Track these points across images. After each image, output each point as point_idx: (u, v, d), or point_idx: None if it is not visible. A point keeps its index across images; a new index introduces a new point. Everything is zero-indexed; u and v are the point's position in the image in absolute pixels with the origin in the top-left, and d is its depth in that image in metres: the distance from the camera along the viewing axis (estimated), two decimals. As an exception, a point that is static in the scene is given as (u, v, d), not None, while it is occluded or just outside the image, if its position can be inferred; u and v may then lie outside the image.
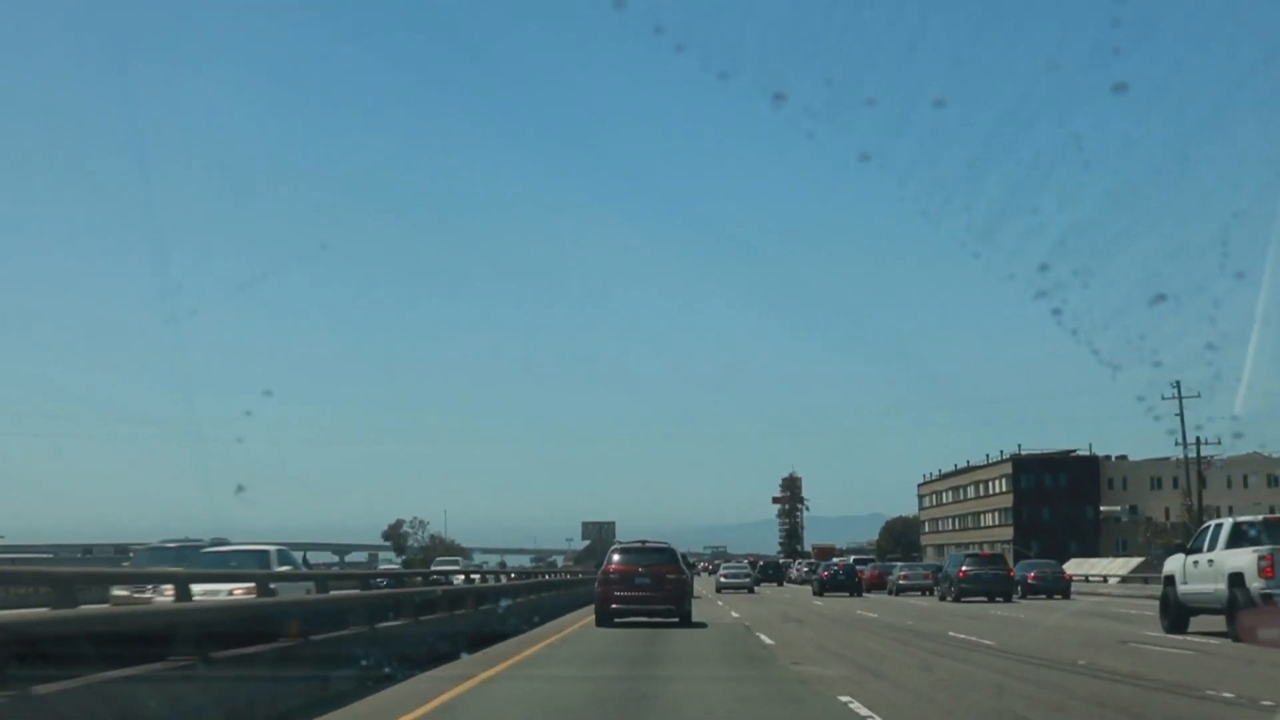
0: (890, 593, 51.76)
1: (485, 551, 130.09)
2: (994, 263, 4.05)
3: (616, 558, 25.42)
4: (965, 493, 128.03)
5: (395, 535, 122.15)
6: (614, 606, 24.60)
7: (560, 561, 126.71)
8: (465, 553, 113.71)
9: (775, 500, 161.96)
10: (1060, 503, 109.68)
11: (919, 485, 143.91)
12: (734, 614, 30.43)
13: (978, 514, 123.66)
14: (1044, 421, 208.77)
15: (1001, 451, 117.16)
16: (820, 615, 30.46)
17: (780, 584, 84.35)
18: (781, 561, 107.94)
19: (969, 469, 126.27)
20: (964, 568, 41.98)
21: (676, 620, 24.54)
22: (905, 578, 52.14)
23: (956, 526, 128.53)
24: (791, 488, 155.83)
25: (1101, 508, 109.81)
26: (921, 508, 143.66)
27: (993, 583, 41.41)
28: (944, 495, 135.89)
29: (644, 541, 26.82)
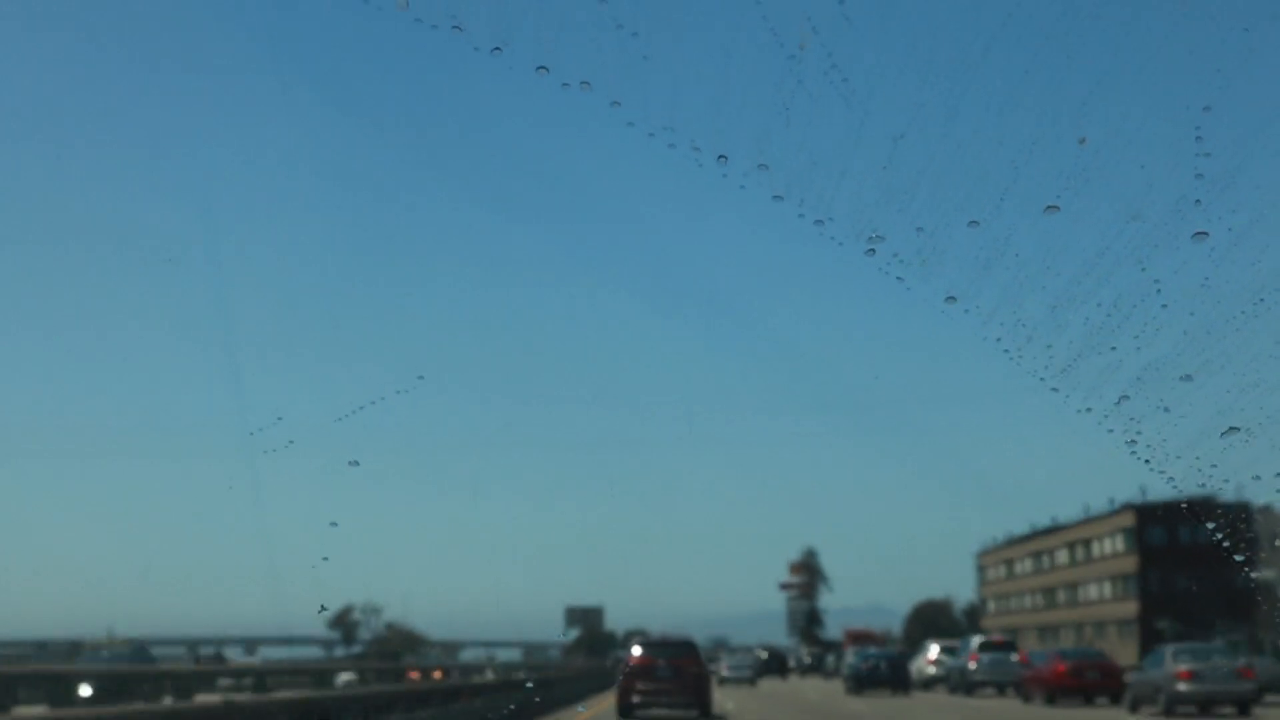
0: (955, 690, 45.21)
1: (462, 645, 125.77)
2: (1072, 397, 4.18)
3: (638, 650, 29.71)
4: (1054, 559, 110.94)
5: (344, 624, 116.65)
6: (635, 700, 28.29)
7: (555, 655, 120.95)
8: (422, 645, 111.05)
9: (784, 586, 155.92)
10: (1202, 565, 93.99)
11: (979, 555, 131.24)
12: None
13: (1074, 585, 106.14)
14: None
15: (1112, 500, 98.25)
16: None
17: (784, 676, 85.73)
18: (786, 650, 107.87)
19: (1058, 528, 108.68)
20: (1061, 663, 35.51)
21: (696, 714, 28.32)
22: (931, 664, 47.94)
23: (1042, 604, 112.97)
24: (808, 568, 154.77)
25: (1256, 573, 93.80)
26: (984, 581, 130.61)
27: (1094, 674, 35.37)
28: (1019, 565, 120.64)
29: (665, 635, 31.45)
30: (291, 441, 6.28)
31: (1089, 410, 4.15)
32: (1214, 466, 4.24)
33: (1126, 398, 4.21)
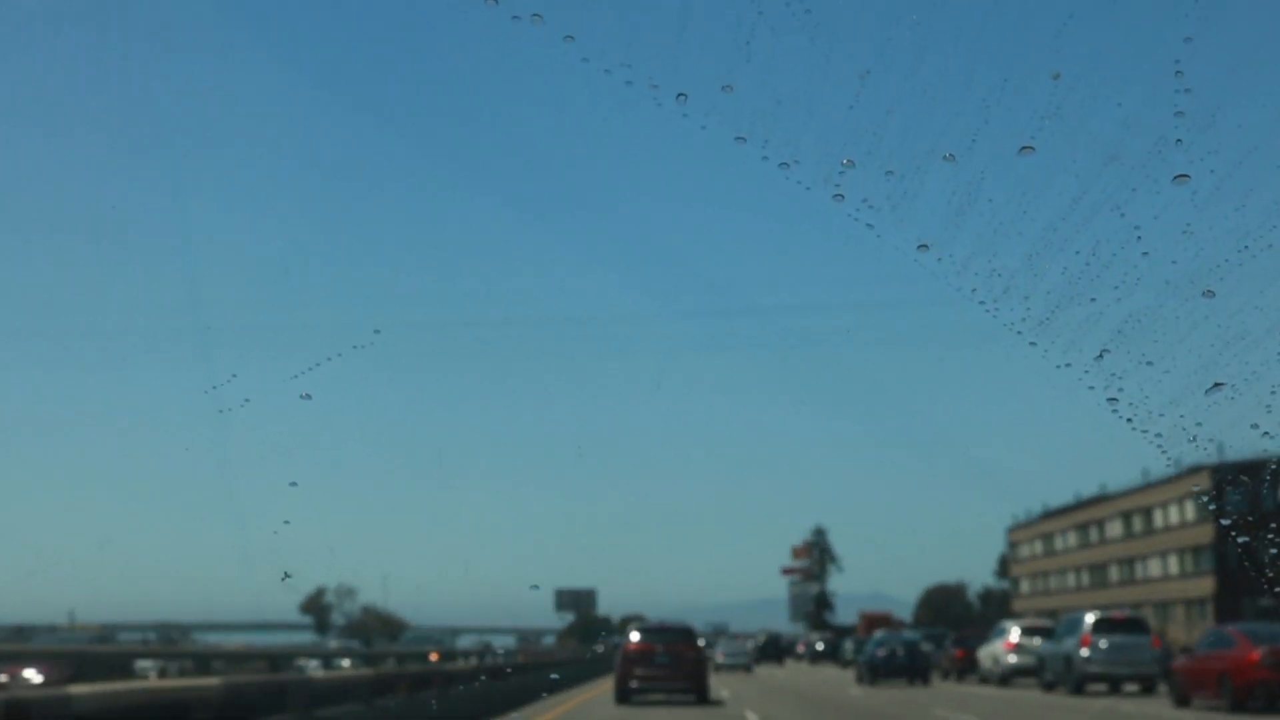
0: (992, 679, 41.32)
1: (453, 631, 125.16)
2: (1051, 351, 4.17)
3: (636, 636, 31.47)
4: (1105, 531, 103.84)
5: (316, 608, 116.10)
6: (633, 684, 30.29)
7: (552, 641, 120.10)
8: (402, 631, 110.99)
9: (786, 571, 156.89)
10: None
11: (1010, 530, 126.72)
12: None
13: (1130, 560, 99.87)
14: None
15: (1175, 462, 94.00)
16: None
17: (780, 662, 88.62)
18: (782, 636, 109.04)
19: (1109, 497, 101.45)
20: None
21: (694, 699, 30.22)
22: (1012, 650, 40.12)
23: (1088, 583, 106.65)
24: (817, 547, 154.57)
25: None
26: (1015, 559, 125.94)
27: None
28: (1060, 539, 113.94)
29: (663, 622, 33.59)
30: (248, 400, 6.35)
31: (1068, 365, 4.23)
32: (1199, 425, 4.32)
33: (1107, 351, 4.28)
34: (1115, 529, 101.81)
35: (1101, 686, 34.34)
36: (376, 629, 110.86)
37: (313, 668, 22.49)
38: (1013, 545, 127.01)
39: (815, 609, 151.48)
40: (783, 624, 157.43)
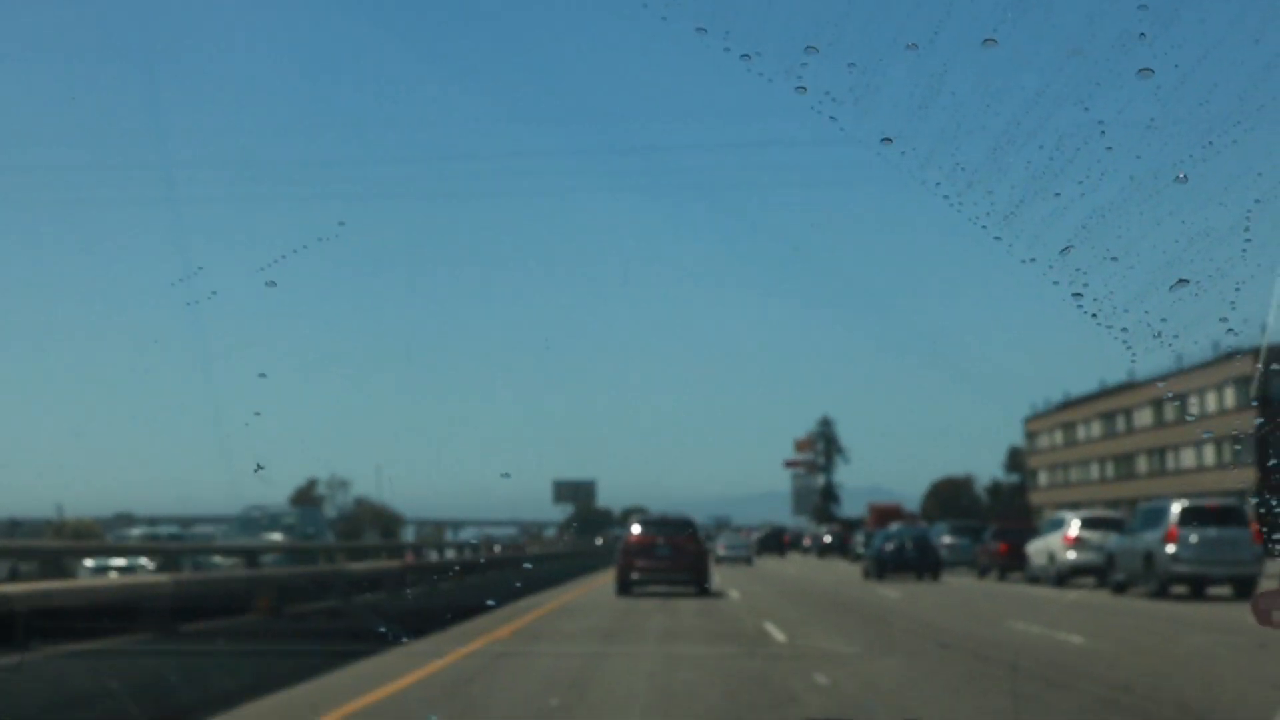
0: (1046, 578, 37.60)
1: (454, 524, 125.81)
2: (1015, 246, 4.24)
3: (637, 529, 32.85)
4: (1133, 420, 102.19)
5: (307, 500, 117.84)
6: (634, 576, 31.72)
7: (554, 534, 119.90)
8: (399, 524, 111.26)
9: (789, 464, 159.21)
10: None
11: (1027, 420, 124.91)
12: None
13: (1161, 450, 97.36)
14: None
15: (1216, 345, 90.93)
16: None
17: (782, 555, 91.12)
18: (785, 529, 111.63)
19: (1138, 384, 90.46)
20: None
21: (694, 590, 31.41)
22: (1073, 545, 36.31)
23: (1113, 475, 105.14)
24: (824, 438, 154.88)
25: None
26: (1033, 450, 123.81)
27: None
28: (1082, 429, 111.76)
29: (664, 514, 34.58)
30: (214, 292, 6.51)
31: (1033, 260, 4.37)
32: (1164, 320, 4.48)
33: (1071, 247, 4.44)
34: (1145, 417, 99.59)
35: (1185, 589, 29.84)
36: (370, 522, 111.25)
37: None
38: (1030, 436, 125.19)
39: (821, 501, 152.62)
40: (785, 517, 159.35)
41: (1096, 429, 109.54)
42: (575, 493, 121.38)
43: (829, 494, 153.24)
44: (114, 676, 10.13)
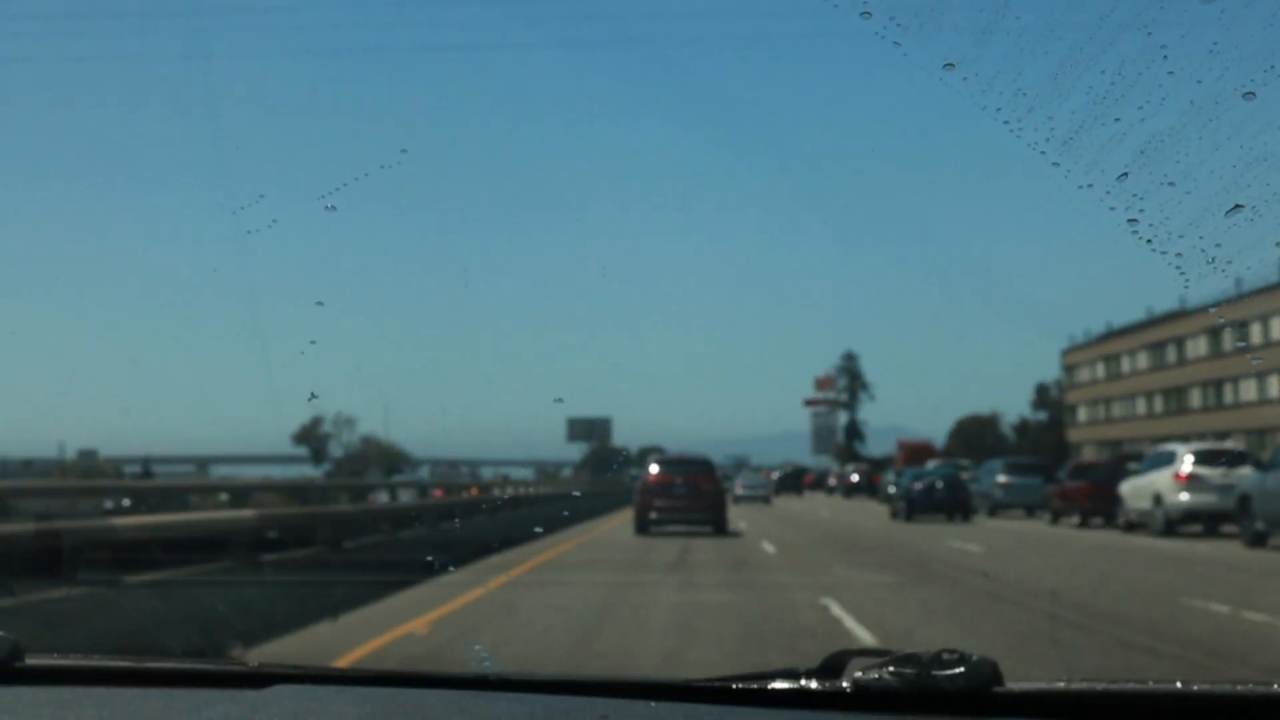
0: (1153, 525, 31.98)
1: (471, 464, 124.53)
2: (1073, 172, 4.44)
3: (655, 469, 34.01)
4: (1184, 351, 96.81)
5: (312, 438, 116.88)
6: (652, 515, 32.88)
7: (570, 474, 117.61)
8: (407, 463, 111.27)
9: (809, 403, 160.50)
10: None
11: (1065, 353, 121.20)
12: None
13: (1218, 383, 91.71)
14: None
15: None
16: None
17: (799, 494, 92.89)
18: (807, 469, 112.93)
19: (1188, 312, 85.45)
20: None
21: (711, 530, 32.48)
22: (1186, 484, 30.55)
23: (1162, 410, 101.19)
24: (849, 372, 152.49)
25: None
26: (1071, 384, 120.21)
27: None
28: (1128, 360, 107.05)
29: (682, 454, 35.41)
30: (275, 221, 6.77)
31: (1090, 186, 4.61)
32: (1218, 246, 4.74)
33: (1127, 174, 4.68)
34: (1199, 347, 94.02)
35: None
36: (376, 461, 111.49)
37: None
38: (1068, 369, 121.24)
39: (846, 439, 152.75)
40: (805, 457, 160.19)
41: (1143, 360, 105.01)
42: (590, 430, 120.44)
43: (854, 432, 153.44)
44: (184, 606, 11.92)
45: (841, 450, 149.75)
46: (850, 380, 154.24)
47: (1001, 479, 48.53)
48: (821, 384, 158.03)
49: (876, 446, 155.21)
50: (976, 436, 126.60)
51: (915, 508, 43.83)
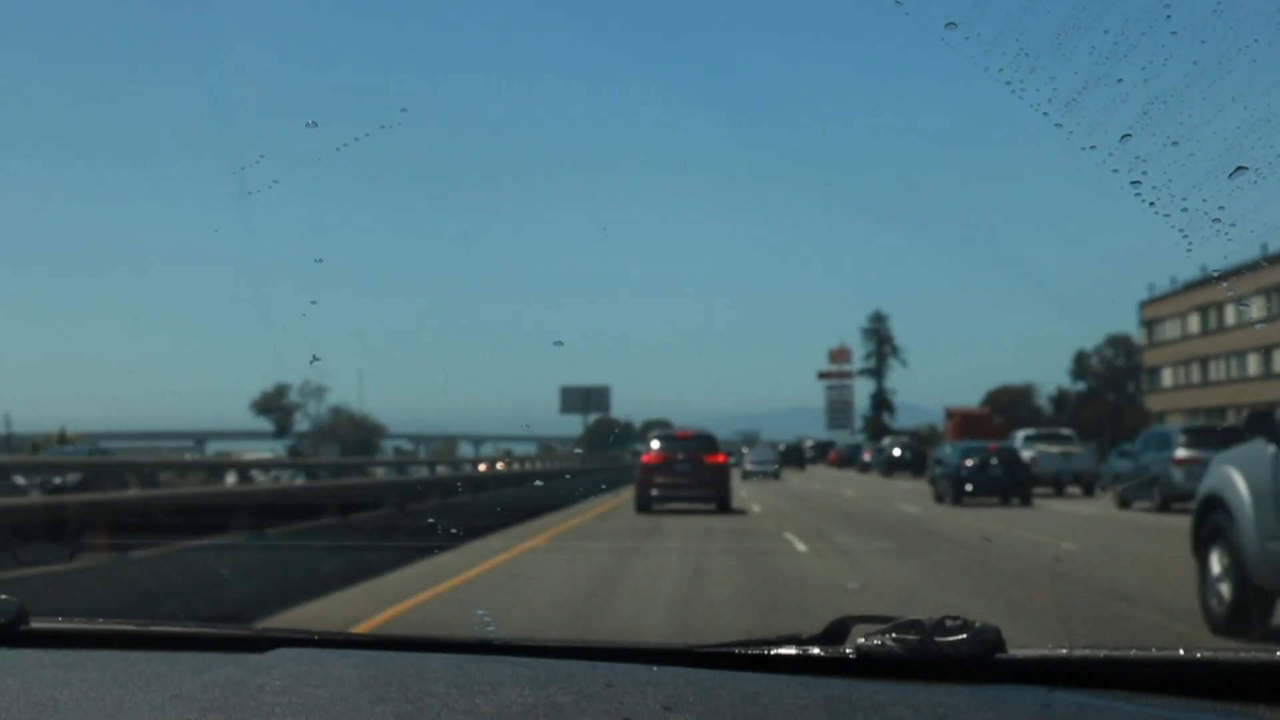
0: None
1: (469, 439, 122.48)
2: (1076, 134, 4.75)
3: (656, 444, 35.89)
4: None
5: (275, 407, 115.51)
6: (653, 493, 34.84)
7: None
8: (382, 436, 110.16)
9: (823, 375, 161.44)
10: None
11: (1144, 305, 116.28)
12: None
13: None
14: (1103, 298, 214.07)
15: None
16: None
17: (802, 467, 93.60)
18: (808, 444, 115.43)
19: None
20: None
21: (714, 507, 34.40)
22: None
23: (1262, 371, 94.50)
24: (878, 335, 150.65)
25: None
26: (1152, 342, 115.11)
27: None
28: (1231, 313, 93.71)
29: (685, 429, 37.55)
30: (276, 181, 7.33)
31: (1093, 148, 5.08)
32: (1221, 209, 5.25)
33: (1129, 135, 5.14)
34: None
35: None
36: (346, 435, 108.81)
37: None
38: (1148, 325, 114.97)
39: (873, 410, 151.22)
40: (820, 432, 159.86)
41: (1257, 309, 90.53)
42: (586, 400, 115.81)
43: (882, 402, 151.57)
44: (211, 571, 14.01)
45: (871, 424, 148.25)
46: (878, 344, 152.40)
47: (1181, 453, 36.48)
48: (835, 355, 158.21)
49: (905, 419, 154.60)
50: (1009, 409, 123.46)
51: (965, 488, 41.78)
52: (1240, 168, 5.85)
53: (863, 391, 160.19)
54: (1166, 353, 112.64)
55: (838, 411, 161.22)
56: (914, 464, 75.85)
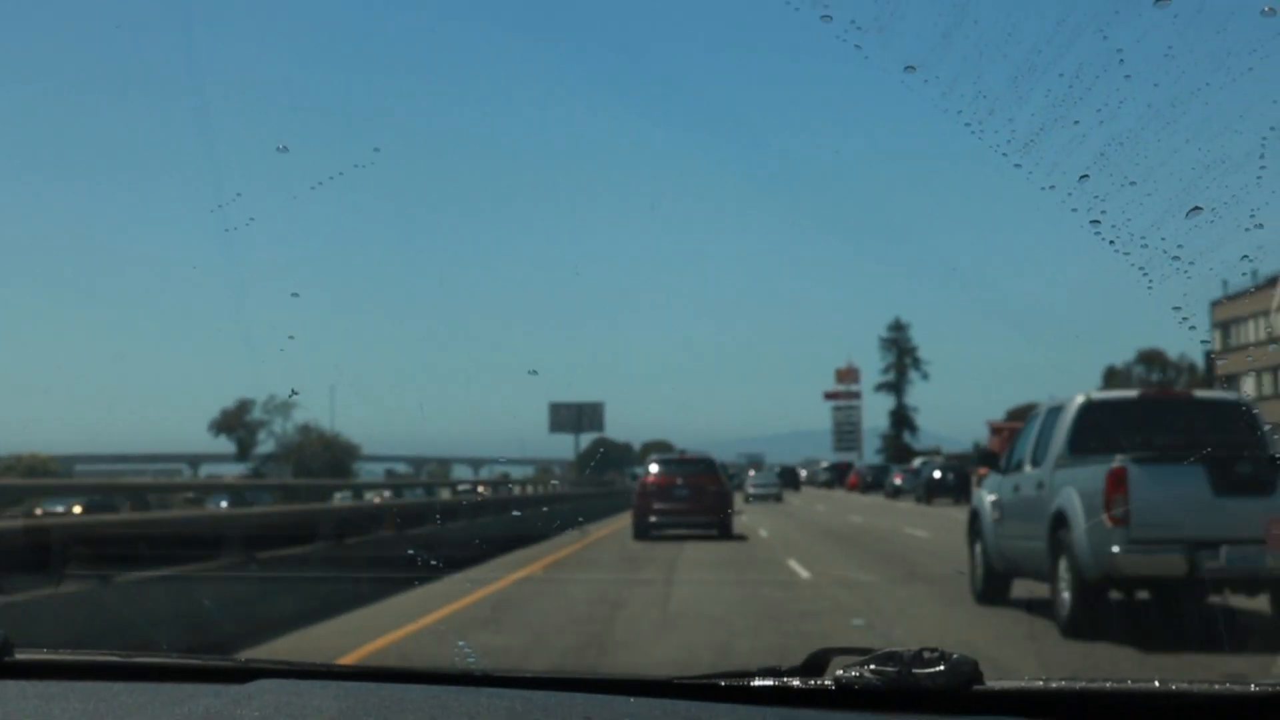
0: None
1: (470, 462, 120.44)
2: (1035, 174, 5.18)
3: (655, 469, 37.27)
4: None
5: (236, 426, 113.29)
6: (652, 519, 35.89)
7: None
8: (356, 459, 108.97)
9: (829, 395, 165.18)
10: None
11: (1215, 305, 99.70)
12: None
13: None
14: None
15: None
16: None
17: (797, 489, 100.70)
18: (821, 465, 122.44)
19: None
20: None
21: (715, 534, 35.33)
22: None
23: None
24: (898, 345, 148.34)
25: None
26: (1227, 345, 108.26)
27: None
28: None
29: (684, 452, 38.62)
30: (252, 219, 7.94)
31: (1052, 188, 5.64)
32: (1180, 247, 5.84)
33: (1087, 176, 5.72)
34: None
35: None
36: (314, 456, 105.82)
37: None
38: (1223, 327, 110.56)
39: (895, 430, 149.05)
40: (826, 454, 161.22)
41: None
42: (579, 418, 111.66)
43: (902, 419, 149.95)
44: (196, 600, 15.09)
45: (891, 443, 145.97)
46: (898, 356, 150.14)
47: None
48: (843, 375, 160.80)
49: (920, 443, 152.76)
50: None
51: None
52: (1196, 208, 6.39)
53: (874, 411, 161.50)
54: (1242, 359, 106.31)
55: (845, 433, 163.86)
56: (957, 488, 71.05)
